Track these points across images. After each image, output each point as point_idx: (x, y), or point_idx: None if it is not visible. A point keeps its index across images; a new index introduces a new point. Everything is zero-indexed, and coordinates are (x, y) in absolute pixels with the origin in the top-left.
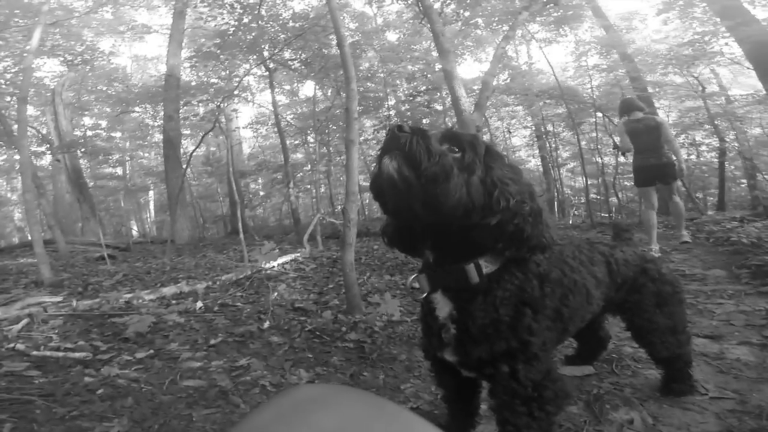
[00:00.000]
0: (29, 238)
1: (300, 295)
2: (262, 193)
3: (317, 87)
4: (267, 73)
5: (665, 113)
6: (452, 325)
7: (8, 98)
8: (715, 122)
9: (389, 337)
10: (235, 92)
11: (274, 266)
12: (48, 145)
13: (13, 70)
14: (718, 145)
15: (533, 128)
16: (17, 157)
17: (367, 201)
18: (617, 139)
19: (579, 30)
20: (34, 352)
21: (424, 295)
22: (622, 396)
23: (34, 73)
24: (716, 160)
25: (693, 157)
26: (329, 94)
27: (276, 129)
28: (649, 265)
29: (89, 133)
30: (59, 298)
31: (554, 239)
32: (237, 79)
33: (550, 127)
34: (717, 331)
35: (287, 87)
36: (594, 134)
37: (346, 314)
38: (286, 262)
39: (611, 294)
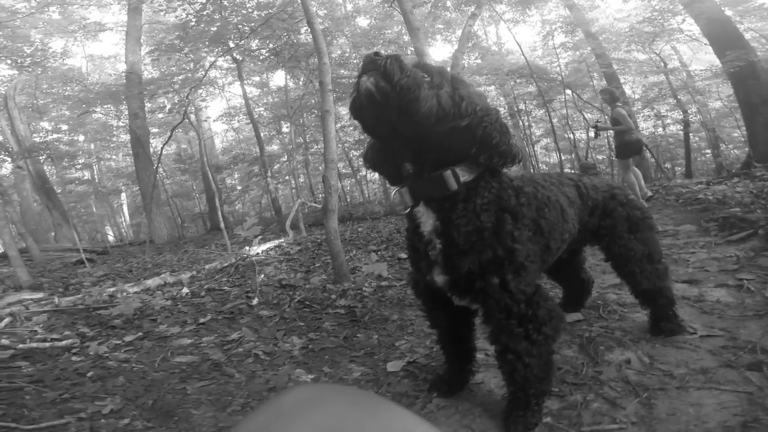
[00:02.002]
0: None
1: (287, 274)
2: (239, 188)
3: (288, 76)
4: (235, 64)
5: (630, 88)
6: (438, 240)
7: None
8: (678, 96)
9: (380, 300)
10: (203, 82)
11: (258, 253)
12: (7, 152)
13: None
14: (682, 117)
15: (506, 107)
16: None
17: (349, 188)
18: (598, 122)
19: (544, 9)
20: (20, 345)
21: (408, 210)
22: (615, 338)
23: None
24: (681, 131)
25: (660, 129)
26: (301, 82)
27: (249, 120)
28: (617, 191)
29: (50, 137)
30: (40, 295)
31: (520, 152)
32: (203, 70)
33: (522, 106)
34: (693, 276)
35: (257, 78)
36: (564, 111)
37: (334, 284)
38: (271, 249)
39: (585, 217)
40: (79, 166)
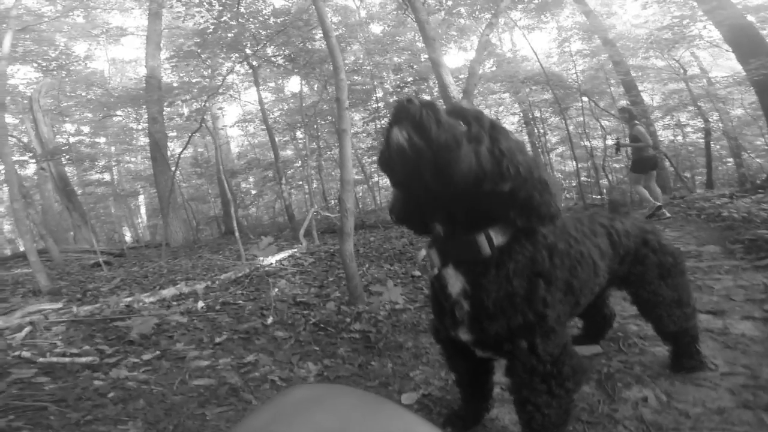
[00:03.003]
0: (21, 248)
1: (301, 289)
2: (253, 192)
3: (303, 82)
4: (251, 70)
5: (649, 96)
6: (465, 301)
7: None
8: (699, 104)
9: (394, 326)
10: (220, 90)
11: (272, 263)
12: (31, 154)
13: None
14: (703, 125)
15: (521, 114)
16: (1, 167)
17: (361, 194)
18: (622, 139)
19: (560, 16)
20: (41, 359)
21: (435, 271)
22: (633, 374)
23: (9, 80)
24: (702, 140)
25: (679, 137)
26: (316, 88)
27: (264, 126)
28: (650, 236)
29: (72, 139)
30: (59, 305)
31: (560, 209)
32: (220, 77)
33: (537, 113)
34: (718, 306)
35: (272, 84)
36: (581, 118)
37: (348, 305)
38: (284, 258)
39: (615, 266)
40: (99, 169)
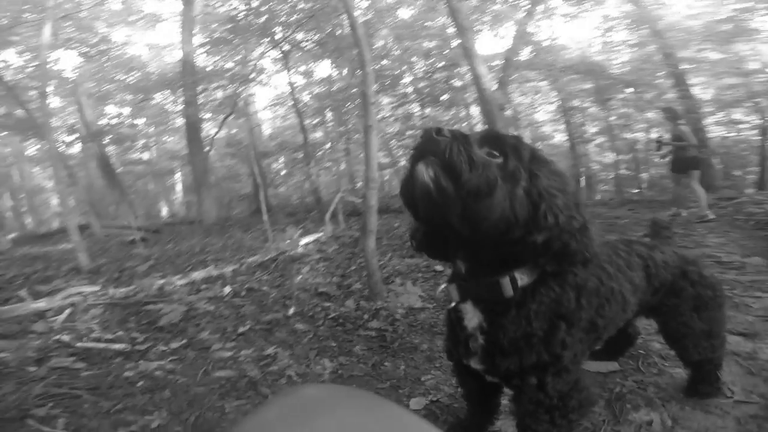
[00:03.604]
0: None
1: (323, 278)
2: (284, 172)
3: (333, 66)
4: (282, 55)
5: (702, 90)
6: (481, 336)
7: (31, 93)
8: (757, 100)
9: (411, 325)
10: (251, 77)
11: (298, 247)
12: (77, 135)
13: (32, 65)
14: (759, 122)
15: (559, 102)
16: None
17: (387, 177)
18: (660, 137)
19: (604, 4)
20: (78, 344)
21: (453, 304)
22: (645, 396)
23: (54, 66)
24: (757, 138)
25: (733, 134)
26: (345, 73)
27: (294, 110)
28: (690, 268)
29: (113, 121)
30: (97, 288)
31: (597, 252)
32: (252, 63)
33: (576, 102)
34: (752, 328)
35: (303, 68)
36: (624, 110)
37: (368, 300)
38: (309, 243)
39: (647, 298)
40: (139, 149)
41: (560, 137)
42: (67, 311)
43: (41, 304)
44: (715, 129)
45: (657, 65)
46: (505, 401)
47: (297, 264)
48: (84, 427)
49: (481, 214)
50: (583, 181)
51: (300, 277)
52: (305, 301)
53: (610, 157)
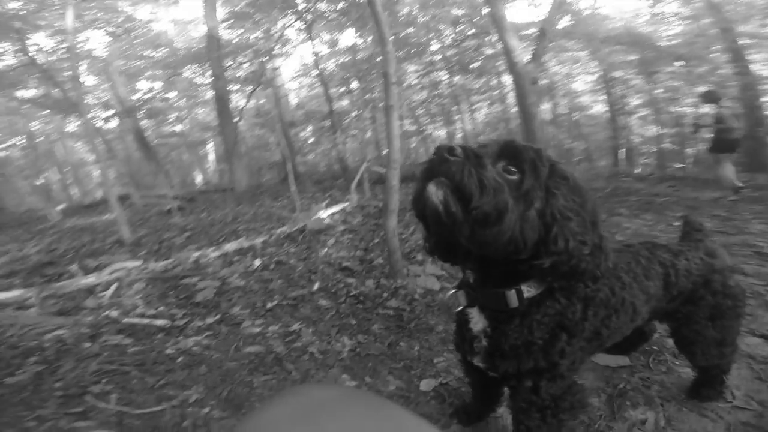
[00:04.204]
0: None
1: (347, 251)
2: (311, 140)
3: (357, 35)
4: (305, 25)
5: (762, 66)
6: (484, 339)
7: (66, 74)
8: None
9: (428, 306)
10: (275, 50)
11: (323, 218)
12: (114, 111)
13: (63, 47)
14: None
15: (600, 73)
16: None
17: (414, 145)
18: (698, 119)
19: None
20: (125, 319)
21: (460, 308)
22: (647, 394)
23: (84, 47)
24: None
25: None
26: (369, 41)
27: (319, 79)
28: (715, 277)
29: (146, 96)
30: (139, 263)
31: (609, 267)
32: (276, 35)
33: (618, 73)
34: None
35: (327, 36)
36: (671, 83)
37: (388, 278)
38: (335, 213)
39: (662, 305)
40: (172, 122)
41: (599, 108)
42: (114, 286)
43: (90, 279)
44: None
45: (711, 39)
46: (507, 391)
47: (322, 236)
48: (133, 402)
49: (489, 238)
50: (622, 154)
51: (325, 250)
52: (329, 276)
53: (653, 130)
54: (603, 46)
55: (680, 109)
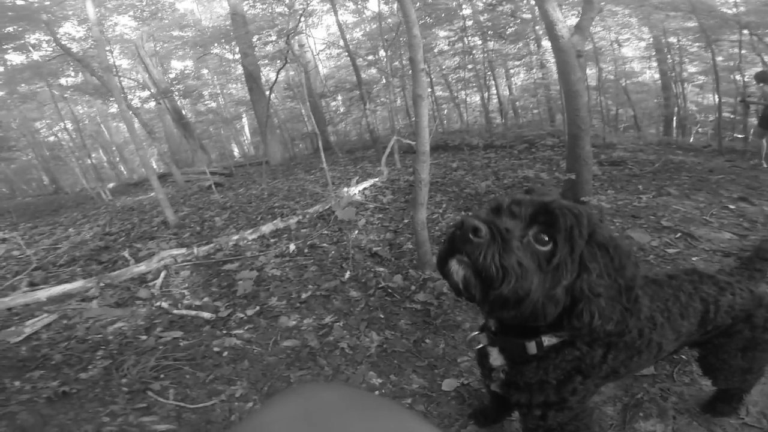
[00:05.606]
0: (156, 170)
1: (377, 233)
2: (342, 110)
3: (383, 1)
4: None
5: None
6: (502, 372)
7: (95, 65)
8: None
9: (456, 301)
10: (299, 26)
11: (355, 193)
12: (150, 92)
13: (92, 36)
14: None
15: (651, 39)
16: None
17: (446, 111)
18: (748, 96)
19: None
20: (175, 311)
21: (481, 345)
22: (662, 406)
23: (113, 32)
24: None
25: None
26: (395, 8)
27: (346, 49)
28: (758, 313)
29: (179, 76)
30: (184, 250)
31: (638, 323)
32: (300, 10)
33: (673, 39)
34: None
35: (351, 5)
36: (734, 50)
37: (416, 269)
38: (366, 188)
39: (694, 336)
40: (206, 99)
41: (651, 74)
42: (163, 274)
43: (141, 267)
44: None
45: None
46: None
47: (356, 216)
48: (188, 396)
49: (507, 316)
50: (674, 122)
51: (356, 233)
52: (360, 263)
53: (710, 98)
54: (656, 12)
55: (741, 78)
